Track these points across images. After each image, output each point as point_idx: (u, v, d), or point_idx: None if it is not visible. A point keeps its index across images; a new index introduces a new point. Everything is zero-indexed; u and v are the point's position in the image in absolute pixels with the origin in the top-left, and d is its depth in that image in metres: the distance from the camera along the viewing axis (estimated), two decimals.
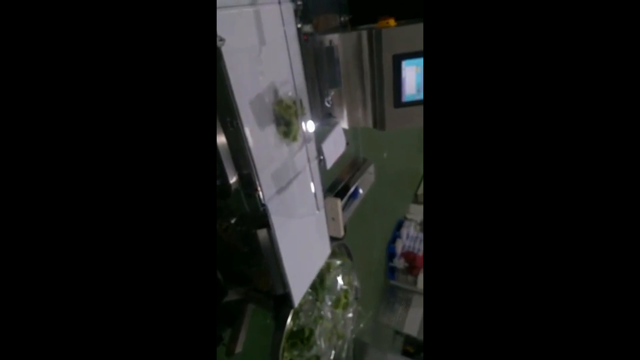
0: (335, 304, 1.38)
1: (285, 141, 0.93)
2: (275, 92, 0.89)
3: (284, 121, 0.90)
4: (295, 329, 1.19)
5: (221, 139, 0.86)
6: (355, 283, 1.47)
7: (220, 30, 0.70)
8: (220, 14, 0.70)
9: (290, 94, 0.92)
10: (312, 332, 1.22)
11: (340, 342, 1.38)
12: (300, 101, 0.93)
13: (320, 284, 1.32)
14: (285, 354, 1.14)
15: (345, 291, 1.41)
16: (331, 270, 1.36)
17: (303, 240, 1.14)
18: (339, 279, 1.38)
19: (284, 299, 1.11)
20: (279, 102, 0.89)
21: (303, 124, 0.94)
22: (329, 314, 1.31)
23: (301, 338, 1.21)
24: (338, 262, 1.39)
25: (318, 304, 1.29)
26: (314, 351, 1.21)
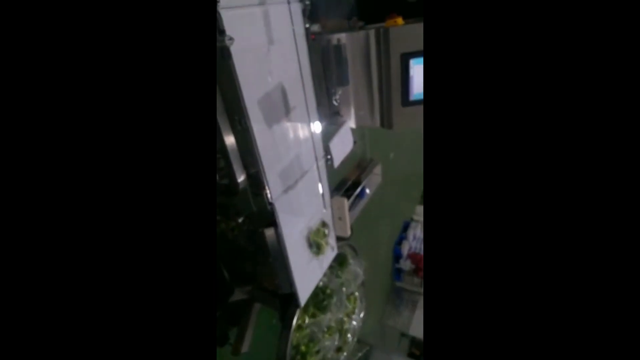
0: (347, 297, 1.39)
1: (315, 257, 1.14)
2: (309, 222, 1.09)
3: (316, 244, 1.10)
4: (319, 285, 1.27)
5: (230, 138, 0.87)
6: (357, 295, 1.49)
7: (230, 30, 0.70)
8: (229, 14, 0.71)
9: (321, 220, 1.13)
10: (333, 292, 1.28)
11: (345, 340, 1.38)
12: (325, 222, 1.15)
13: (340, 265, 1.38)
14: (299, 316, 1.19)
15: (354, 297, 1.42)
16: (349, 257, 1.40)
17: (310, 240, 1.14)
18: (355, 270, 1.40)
19: (290, 298, 1.11)
20: (315, 231, 1.10)
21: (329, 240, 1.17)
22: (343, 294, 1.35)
23: (323, 290, 1.27)
24: (352, 260, 1.41)
25: (339, 280, 1.33)
26: (327, 317, 1.26)
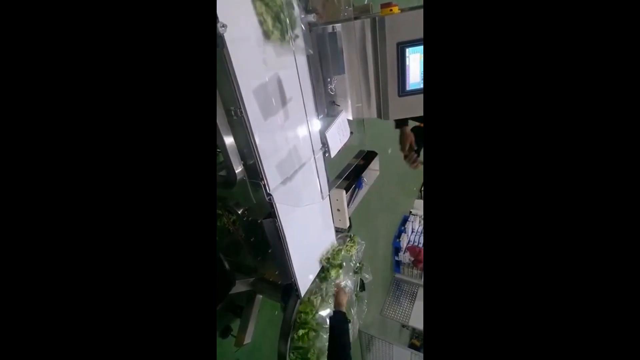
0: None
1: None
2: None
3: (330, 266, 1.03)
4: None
5: (226, 129, 0.87)
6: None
7: (223, 18, 0.70)
8: (223, 1, 0.70)
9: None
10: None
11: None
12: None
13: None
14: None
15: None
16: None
17: (309, 230, 1.14)
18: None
19: (291, 289, 1.12)
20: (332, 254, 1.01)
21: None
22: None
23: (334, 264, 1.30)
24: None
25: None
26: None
